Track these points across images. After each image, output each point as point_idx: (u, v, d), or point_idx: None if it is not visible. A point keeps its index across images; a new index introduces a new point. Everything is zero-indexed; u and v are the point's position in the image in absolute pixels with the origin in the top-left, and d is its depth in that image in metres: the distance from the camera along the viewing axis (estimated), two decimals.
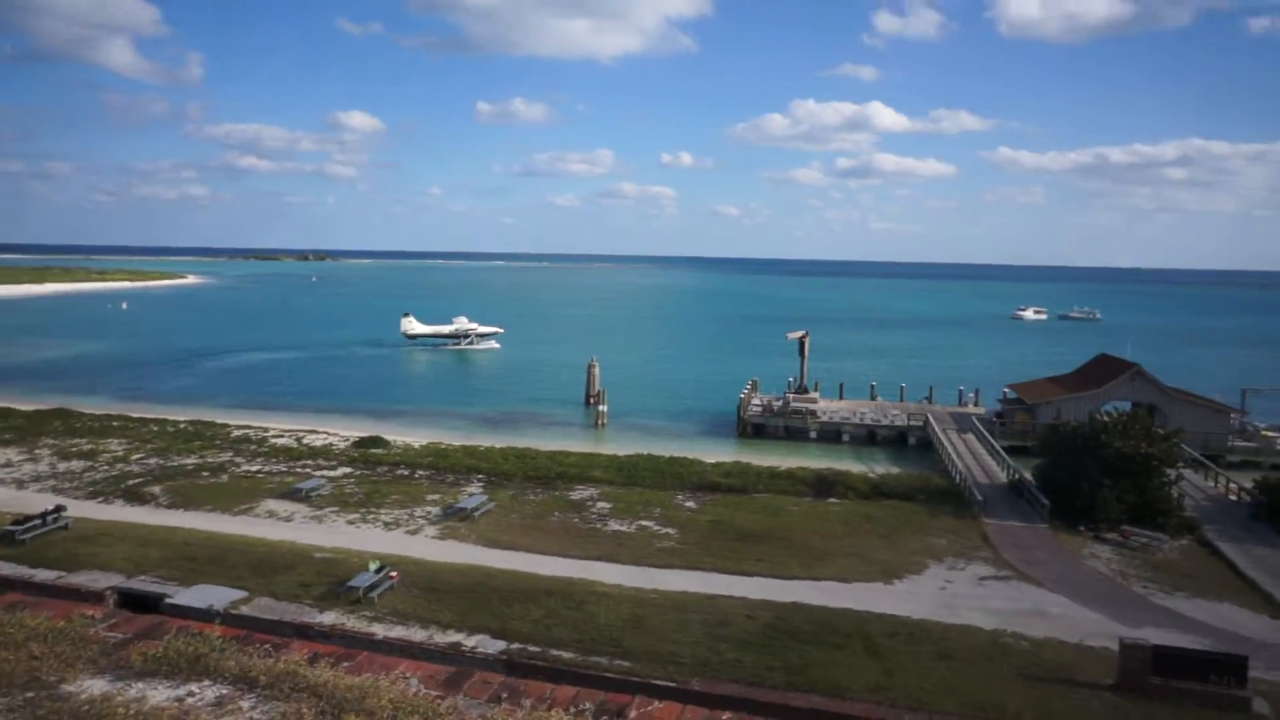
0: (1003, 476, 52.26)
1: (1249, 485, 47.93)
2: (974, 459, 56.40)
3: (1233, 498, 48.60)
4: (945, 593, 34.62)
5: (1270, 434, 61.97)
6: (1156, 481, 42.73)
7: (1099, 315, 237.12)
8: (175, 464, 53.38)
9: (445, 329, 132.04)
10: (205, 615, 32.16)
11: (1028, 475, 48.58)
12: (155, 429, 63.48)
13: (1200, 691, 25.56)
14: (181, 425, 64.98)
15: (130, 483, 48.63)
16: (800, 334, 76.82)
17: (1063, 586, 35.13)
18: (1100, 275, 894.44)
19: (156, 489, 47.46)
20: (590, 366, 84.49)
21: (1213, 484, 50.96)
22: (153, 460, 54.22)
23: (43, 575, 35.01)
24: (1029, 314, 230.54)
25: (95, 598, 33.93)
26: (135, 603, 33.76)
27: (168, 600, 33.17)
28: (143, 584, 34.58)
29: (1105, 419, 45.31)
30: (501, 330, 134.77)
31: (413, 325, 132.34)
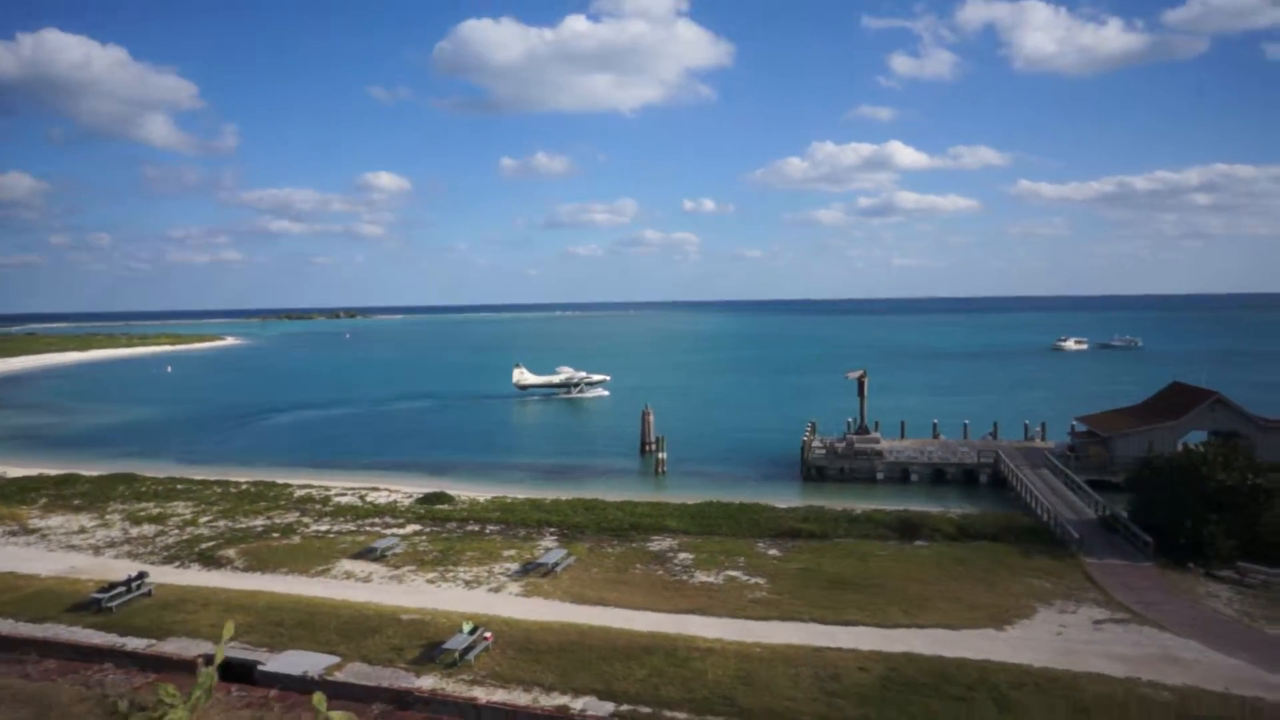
0: (1090, 512, 50.41)
1: None
2: (1055, 495, 54.54)
3: None
4: (1062, 638, 32.96)
5: None
6: (1268, 514, 40.80)
7: (1140, 343, 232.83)
8: (244, 526, 53.09)
9: (556, 379, 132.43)
10: (301, 683, 31.42)
11: (1120, 511, 46.78)
12: (219, 490, 63.43)
13: None
14: (244, 486, 64.89)
15: (203, 546, 48.34)
16: (859, 373, 75.65)
17: (1188, 629, 33.34)
18: (1128, 303, 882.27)
19: (231, 552, 47.09)
20: (645, 414, 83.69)
21: None
22: (221, 523, 53.99)
23: (133, 643, 34.50)
24: (1070, 344, 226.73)
25: (187, 667, 33.36)
26: (228, 671, 33.18)
27: (261, 668, 32.46)
28: (234, 651, 33.89)
29: (1202, 450, 43.50)
30: (609, 378, 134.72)
31: (525, 376, 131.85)
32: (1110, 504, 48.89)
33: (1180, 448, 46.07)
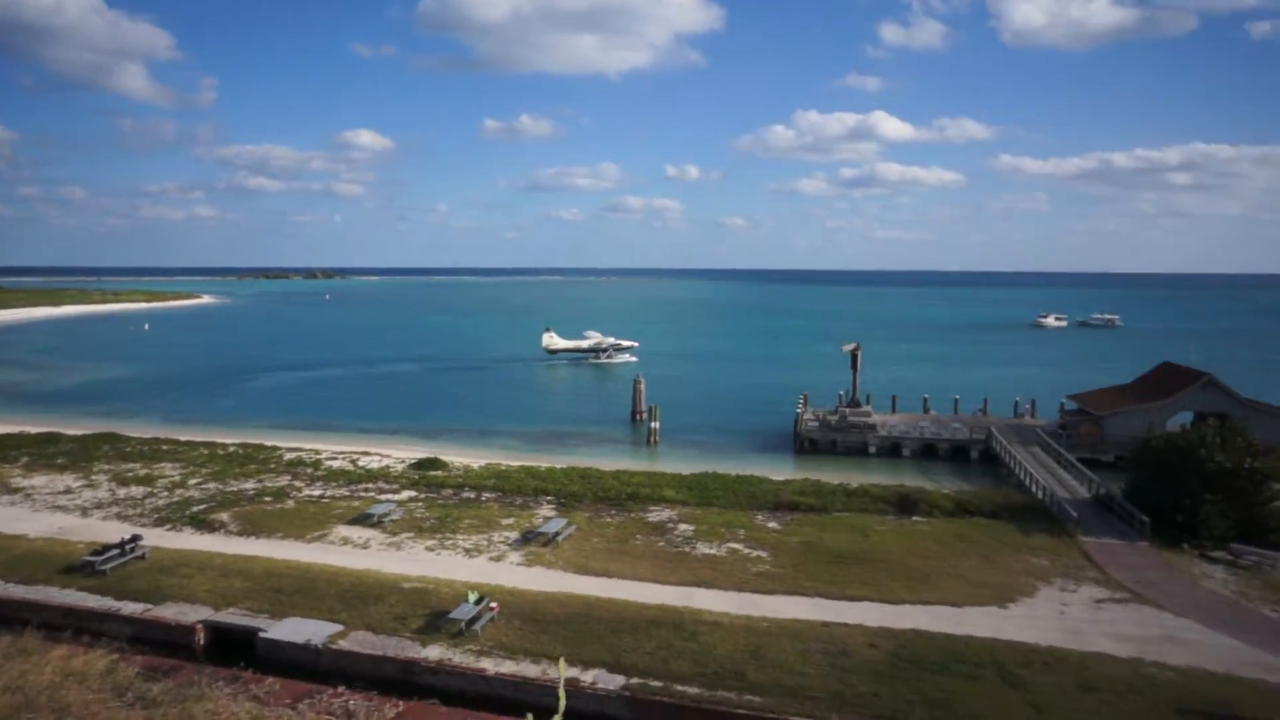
0: (1083, 491, 50.84)
1: None
2: (1049, 473, 54.95)
3: None
4: (1065, 617, 33.22)
5: None
6: (1263, 497, 41.29)
7: (1119, 321, 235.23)
8: (235, 489, 52.29)
9: (584, 344, 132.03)
10: (304, 651, 31.08)
11: (1115, 489, 47.20)
12: (206, 452, 62.39)
13: None
14: (231, 449, 63.90)
15: (195, 509, 47.54)
16: (852, 346, 75.51)
17: (1188, 610, 33.70)
18: (1107, 280, 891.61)
19: (224, 516, 46.36)
20: (636, 382, 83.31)
21: None
22: (211, 485, 53.16)
23: (130, 608, 33.96)
24: (1050, 321, 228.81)
25: (186, 632, 32.86)
26: (228, 637, 32.73)
27: (262, 635, 32.02)
28: (233, 617, 33.43)
29: (1202, 431, 43.80)
30: (637, 344, 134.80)
31: (554, 340, 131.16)
32: (1104, 482, 49.29)
33: (1178, 427, 46.21)
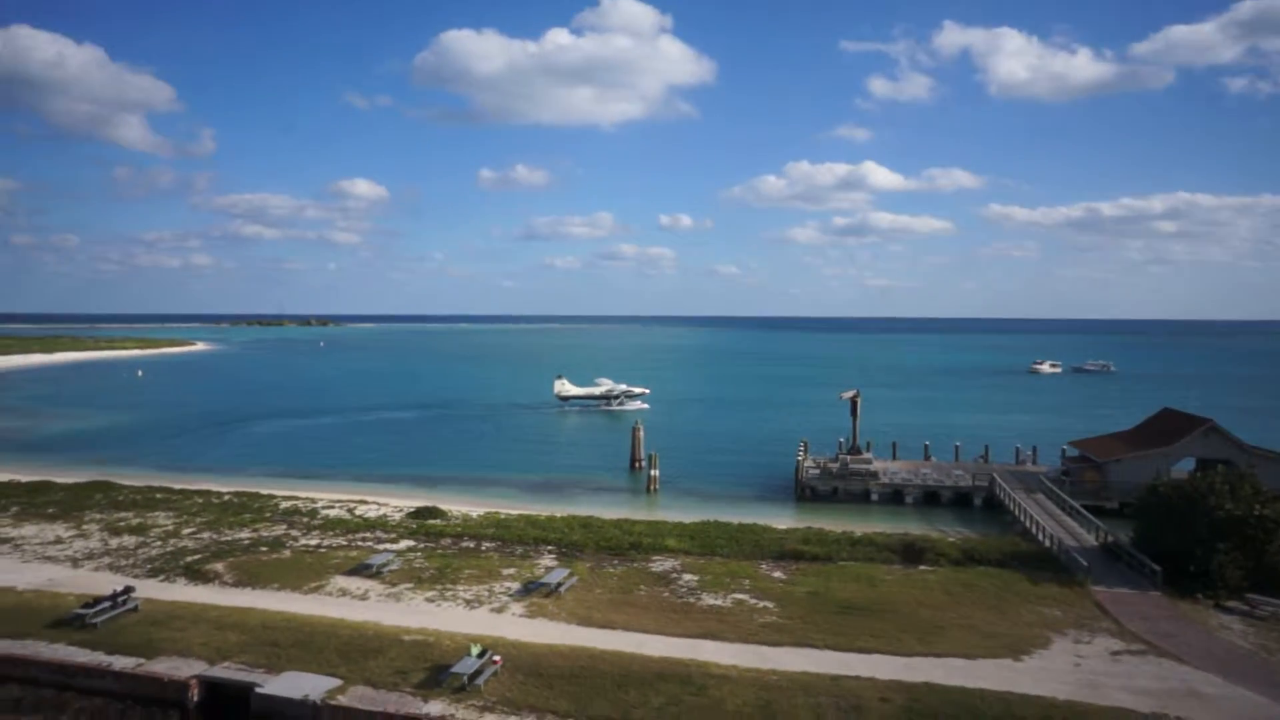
0: (1091, 539, 50.27)
1: None
2: (1054, 521, 54.42)
3: None
4: (1081, 670, 32.48)
5: None
6: (1275, 545, 40.80)
7: (1113, 367, 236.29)
8: (229, 538, 51.37)
9: (596, 390, 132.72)
10: (302, 707, 30.11)
11: (1122, 538, 46.68)
12: (201, 501, 61.48)
13: None
14: (226, 497, 63.01)
15: (189, 560, 46.59)
16: (852, 393, 75.39)
17: (1207, 663, 33.01)
18: (1097, 327, 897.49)
19: (219, 566, 45.41)
20: (635, 429, 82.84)
21: None
22: (205, 535, 52.22)
23: (121, 662, 32.92)
24: (1045, 367, 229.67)
25: (179, 688, 31.86)
26: (223, 693, 31.74)
27: (258, 690, 31.02)
28: (228, 672, 32.43)
29: (1210, 478, 43.45)
30: (649, 390, 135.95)
31: (566, 387, 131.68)
32: (1112, 530, 48.79)
33: (1182, 474, 45.85)
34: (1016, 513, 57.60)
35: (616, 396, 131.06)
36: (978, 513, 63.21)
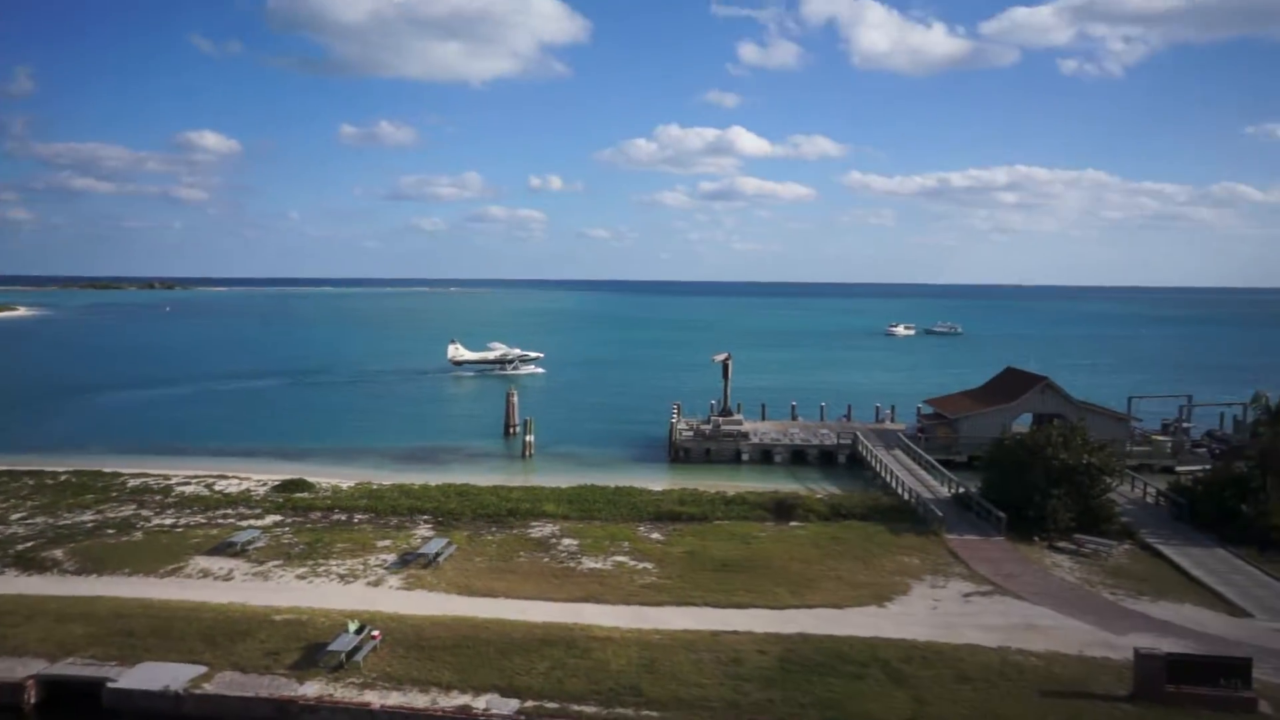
0: (944, 491, 53.96)
1: (1163, 489, 51.51)
2: (912, 475, 58.03)
3: (1150, 501, 52.03)
4: (938, 612, 35.03)
5: (1160, 439, 67.02)
6: (1098, 490, 45.14)
7: (960, 329, 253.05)
8: (69, 522, 47.50)
9: (490, 355, 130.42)
10: (162, 699, 28.43)
11: (971, 489, 50.33)
12: (32, 483, 56.39)
13: (1211, 696, 26.73)
14: (63, 477, 58.07)
15: (20, 548, 42.71)
16: (724, 356, 77.22)
17: (1043, 598, 36.30)
18: (946, 291, 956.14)
19: (57, 553, 41.92)
20: (509, 395, 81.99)
21: (1129, 488, 54.27)
22: (39, 519, 48.01)
23: None
24: (900, 330, 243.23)
25: (14, 690, 29.29)
26: (67, 692, 29.44)
27: (110, 685, 29.02)
28: (73, 668, 30.13)
29: (1047, 431, 47.41)
30: (542, 355, 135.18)
31: (460, 352, 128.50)
32: (962, 481, 52.52)
33: (1023, 428, 49.81)
34: (878, 469, 61.02)
35: (511, 361, 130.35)
36: (843, 470, 66.51)
